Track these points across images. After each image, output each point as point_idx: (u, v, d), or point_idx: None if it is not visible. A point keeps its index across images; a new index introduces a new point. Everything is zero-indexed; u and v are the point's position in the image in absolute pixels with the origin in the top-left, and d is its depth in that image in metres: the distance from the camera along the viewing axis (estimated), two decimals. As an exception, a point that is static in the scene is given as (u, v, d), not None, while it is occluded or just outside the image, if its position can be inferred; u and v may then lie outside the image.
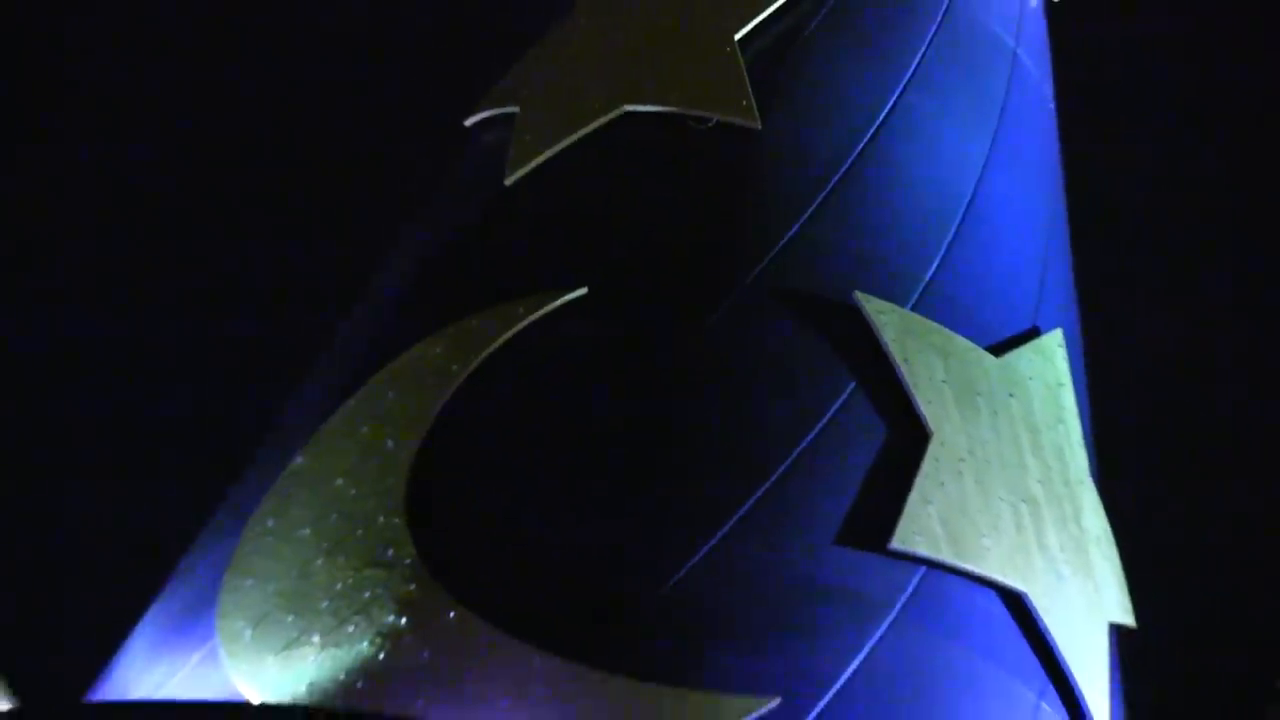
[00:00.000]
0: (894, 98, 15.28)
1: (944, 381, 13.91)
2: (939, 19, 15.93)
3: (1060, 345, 15.07)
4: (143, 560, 14.43)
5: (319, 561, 13.03)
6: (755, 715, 12.06)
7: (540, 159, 14.89)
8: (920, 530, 13.25)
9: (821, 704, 12.41)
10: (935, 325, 14.22)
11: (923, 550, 13.20)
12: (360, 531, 13.01)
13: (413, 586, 12.66)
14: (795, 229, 14.43)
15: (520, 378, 13.58)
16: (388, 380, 13.71)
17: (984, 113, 15.77)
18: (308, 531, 13.20)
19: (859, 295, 14.00)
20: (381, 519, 12.99)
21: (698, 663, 12.44)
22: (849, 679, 12.59)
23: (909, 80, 15.43)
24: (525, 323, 13.65)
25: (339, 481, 13.31)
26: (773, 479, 13.26)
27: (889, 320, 13.95)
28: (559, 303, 13.72)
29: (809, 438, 13.48)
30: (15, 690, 13.80)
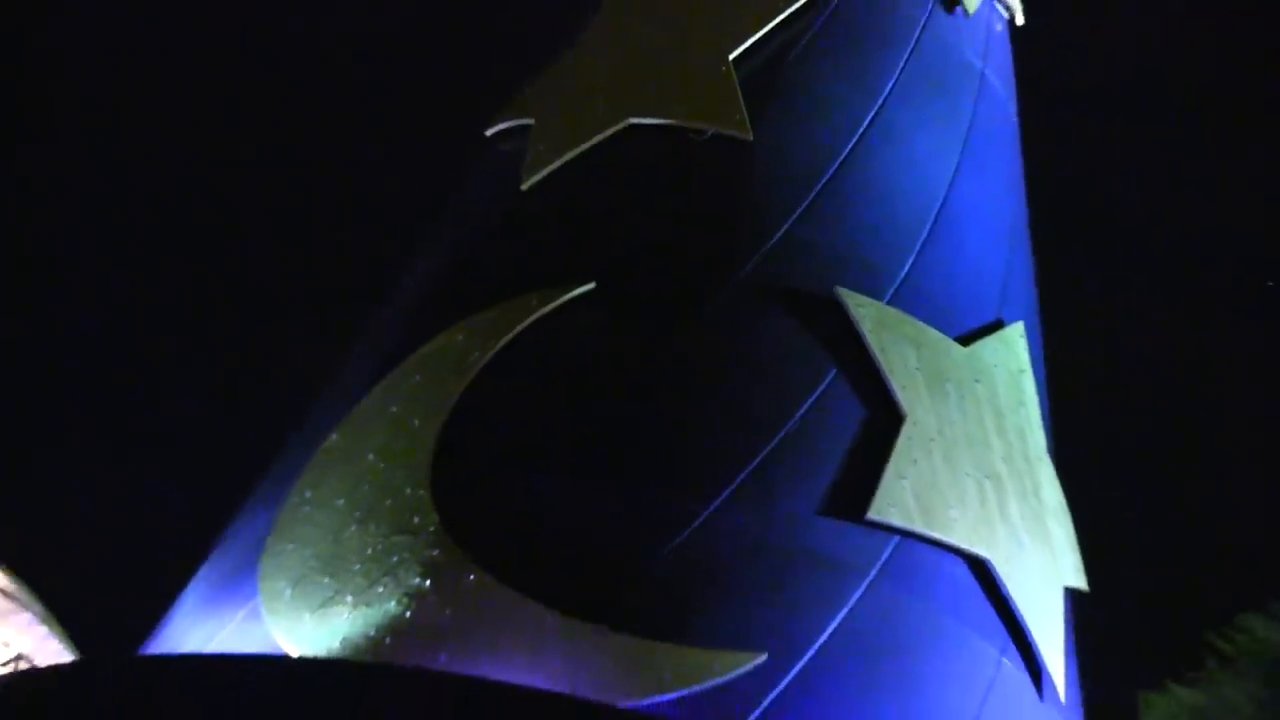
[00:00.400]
0: (873, 113, 15.31)
1: (916, 369, 13.97)
2: (913, 43, 15.96)
3: (1022, 336, 15.14)
4: (193, 525, 14.43)
5: (352, 529, 13.09)
6: (744, 669, 12.11)
7: (553, 166, 14.92)
8: (895, 503, 13.33)
9: (804, 660, 12.44)
10: (909, 318, 14.27)
11: (897, 520, 13.28)
12: (389, 502, 13.07)
13: (436, 551, 12.72)
14: (783, 230, 14.48)
15: (534, 363, 13.61)
16: (415, 365, 13.76)
17: (954, 127, 15.81)
18: (342, 502, 13.26)
19: (840, 291, 14.06)
20: (408, 490, 13.05)
21: (693, 621, 12.48)
22: (829, 637, 12.63)
23: (886, 97, 15.46)
24: (538, 314, 13.68)
25: (370, 457, 13.37)
26: (761, 456, 13.33)
27: (867, 313, 14.00)
28: (568, 297, 13.75)
29: (795, 419, 13.55)
30: (76, 644, 13.86)
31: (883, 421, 13.66)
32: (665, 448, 13.47)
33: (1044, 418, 15.07)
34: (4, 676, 13.30)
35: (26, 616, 14.07)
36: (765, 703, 12.17)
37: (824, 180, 14.81)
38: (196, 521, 14.40)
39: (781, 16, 15.46)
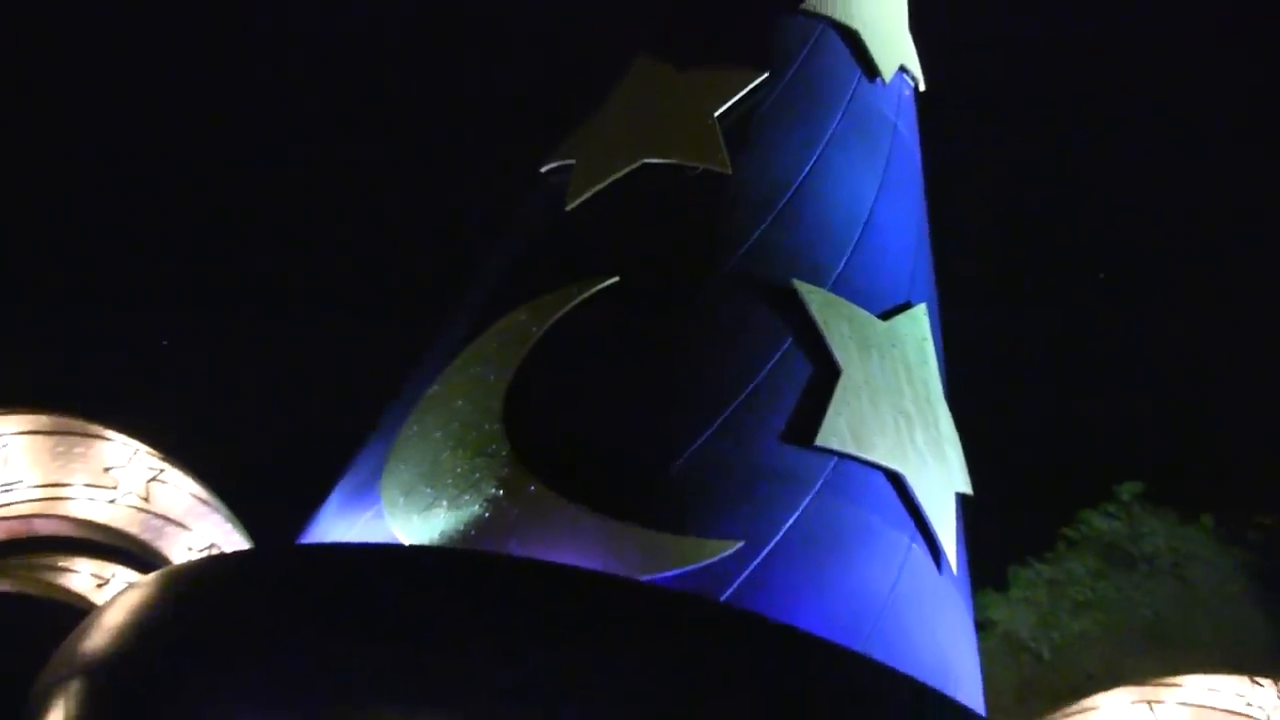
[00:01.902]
0: (817, 154, 15.29)
1: (849, 337, 13.98)
2: (846, 103, 15.88)
3: (924, 314, 15.14)
4: (336, 450, 14.44)
5: (446, 454, 13.10)
6: (725, 554, 12.20)
7: (589, 194, 14.95)
8: (834, 433, 13.31)
9: (768, 548, 12.48)
10: (844, 301, 14.29)
11: (836, 445, 13.26)
12: (472, 435, 13.08)
13: (506, 470, 12.73)
14: (754, 238, 14.50)
15: (576, 335, 13.61)
16: (490, 336, 13.80)
17: (875, 164, 15.77)
18: (439, 434, 13.29)
19: (796, 282, 14.07)
20: (486, 426, 13.06)
21: (690, 519, 12.51)
22: (786, 531, 12.69)
23: (826, 143, 15.42)
24: (578, 299, 13.73)
25: (459, 402, 13.41)
26: (739, 400, 13.35)
27: (814, 298, 14.01)
28: (599, 287, 13.80)
29: (763, 373, 13.57)
30: (252, 535, 13.91)
31: (825, 375, 13.64)
32: (671, 395, 13.47)
33: (940, 371, 15.09)
34: (202, 559, 13.34)
35: (217, 517, 14.07)
36: (740, 579, 12.25)
37: (782, 202, 14.83)
38: (340, 447, 14.40)
39: (751, 85, 15.41)
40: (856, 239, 14.93)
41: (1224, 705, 12.72)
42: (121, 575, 13.49)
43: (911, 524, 13.59)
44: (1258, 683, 12.79)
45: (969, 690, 13.38)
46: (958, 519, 14.28)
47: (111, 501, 13.72)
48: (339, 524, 13.37)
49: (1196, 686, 12.97)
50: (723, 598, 12.07)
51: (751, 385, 13.46)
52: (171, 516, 13.74)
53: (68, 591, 13.75)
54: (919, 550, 13.54)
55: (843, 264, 14.62)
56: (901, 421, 13.96)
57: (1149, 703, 12.94)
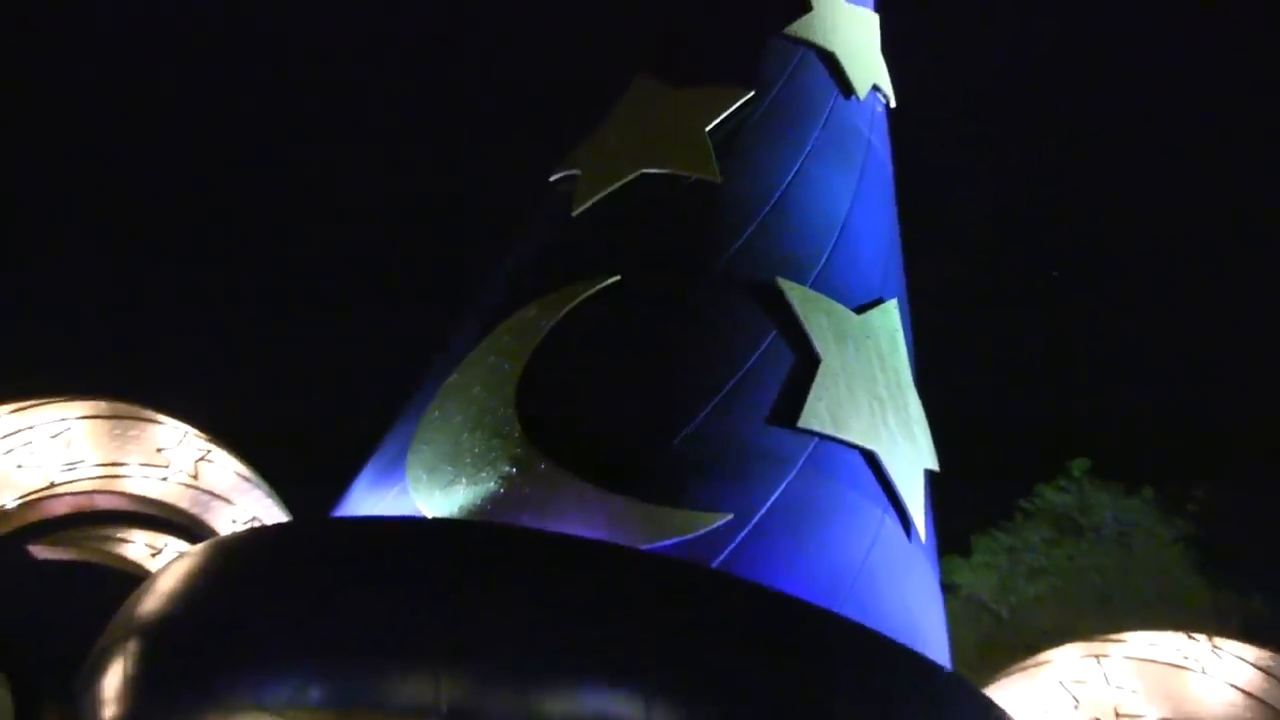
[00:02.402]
0: (798, 165, 15.21)
1: (828, 329, 13.90)
2: (824, 119, 15.82)
3: (895, 308, 15.06)
4: (369, 432, 14.40)
5: (465, 435, 13.04)
6: (716, 525, 12.15)
7: (592, 200, 14.88)
8: (815, 416, 13.24)
9: (755, 519, 12.43)
10: (823, 297, 14.20)
11: (816, 427, 13.20)
12: (489, 418, 13.01)
13: (519, 450, 12.66)
14: (742, 241, 14.42)
15: (582, 328, 13.54)
16: (505, 330, 13.72)
17: (851, 174, 15.70)
18: (459, 418, 13.23)
19: (780, 279, 13.99)
20: (501, 410, 12.99)
21: (685, 493, 12.46)
22: (772, 504, 12.62)
23: (806, 155, 15.33)
24: (584, 296, 13.66)
25: (477, 389, 13.34)
26: (729, 385, 13.27)
27: (796, 294, 13.93)
28: (603, 285, 13.72)
29: (751, 361, 13.50)
30: (289, 509, 13.90)
31: (806, 364, 13.56)
32: (666, 382, 13.43)
33: (910, 360, 15.03)
34: (245, 531, 13.32)
35: (258, 493, 14.07)
36: (729, 548, 12.20)
37: (767, 209, 14.75)
38: (368, 430, 14.36)
39: (739, 103, 15.33)
40: (834, 242, 14.85)
41: (1163, 658, 12.73)
42: (173, 545, 13.50)
43: (884, 498, 13.54)
44: (1193, 638, 12.82)
45: (936, 646, 13.36)
46: (926, 493, 14.24)
47: (164, 479, 13.75)
48: (368, 499, 13.32)
49: (1139, 642, 12.99)
50: (714, 564, 12.03)
51: (740, 373, 13.39)
52: (217, 492, 13.77)
53: (125, 560, 13.77)
54: (891, 521, 13.49)
55: (821, 264, 14.54)
56: (875, 405, 13.90)
57: (1096, 656, 12.95)
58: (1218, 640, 12.90)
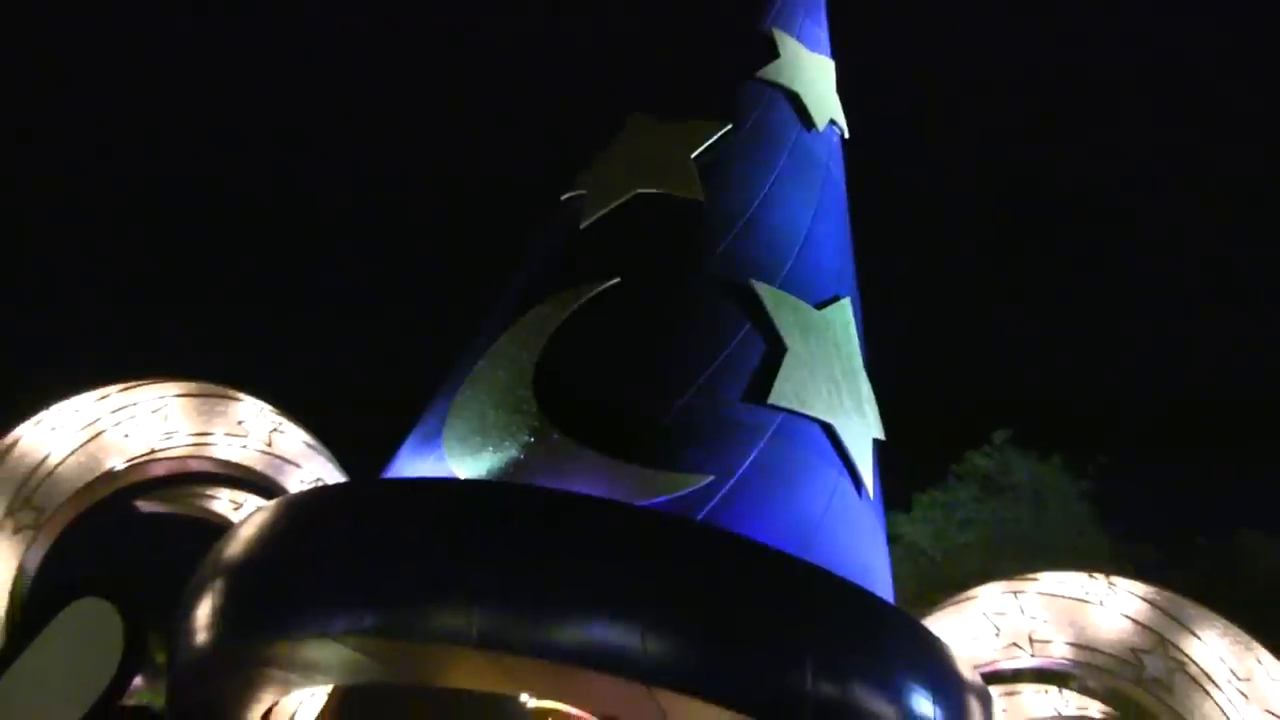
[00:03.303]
0: (767, 187, 15.13)
1: (793, 323, 13.83)
2: (789, 148, 15.76)
3: (848, 305, 14.94)
4: (412, 407, 14.35)
5: (490, 412, 12.99)
6: (699, 485, 12.14)
7: (596, 215, 14.81)
8: (783, 394, 13.19)
9: (732, 481, 12.41)
10: (789, 296, 14.11)
11: (783, 403, 13.15)
12: (510, 398, 12.95)
13: (535, 423, 12.61)
14: (721, 248, 14.37)
15: (587, 322, 13.47)
16: (523, 324, 13.64)
17: (811, 194, 15.62)
18: (485, 398, 13.16)
19: (753, 281, 13.94)
20: (520, 391, 12.92)
21: (674, 458, 12.40)
22: (745, 469, 12.60)
23: (774, 178, 15.27)
24: (588, 295, 13.57)
25: (500, 374, 13.26)
26: (711, 368, 13.24)
27: (767, 294, 13.86)
28: (605, 286, 13.64)
29: (729, 348, 13.45)
30: (347, 471, 13.86)
31: (775, 351, 13.50)
32: (659, 365, 13.36)
33: (861, 347, 14.94)
34: (311, 489, 13.31)
35: (321, 459, 14.05)
36: (711, 504, 12.20)
37: (741, 223, 14.67)
38: (410, 408, 14.31)
39: (718, 134, 15.27)
40: (797, 250, 14.76)
41: (1069, 594, 12.75)
42: (251, 501, 13.50)
43: (839, 463, 13.48)
44: (1094, 577, 12.81)
45: (882, 586, 13.37)
46: (874, 459, 14.17)
47: (243, 446, 13.73)
48: (411, 464, 13.29)
49: (1049, 580, 12.99)
50: (698, 518, 12.01)
51: (719, 359, 13.33)
52: (287, 458, 13.73)
53: (211, 513, 13.79)
54: (845, 482, 13.45)
55: (787, 268, 14.46)
56: (832, 386, 13.82)
57: (1014, 593, 12.95)
58: (1113, 578, 12.91)
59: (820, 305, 14.42)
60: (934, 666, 11.40)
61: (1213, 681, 12.06)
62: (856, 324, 15.08)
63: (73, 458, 13.19)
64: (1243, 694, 11.96)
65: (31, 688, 11.05)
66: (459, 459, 12.74)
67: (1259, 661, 12.08)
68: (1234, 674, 12.05)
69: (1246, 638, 12.27)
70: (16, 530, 12.75)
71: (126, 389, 13.60)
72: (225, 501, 13.73)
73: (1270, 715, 11.86)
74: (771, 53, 16.45)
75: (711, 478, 12.24)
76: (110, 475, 13.27)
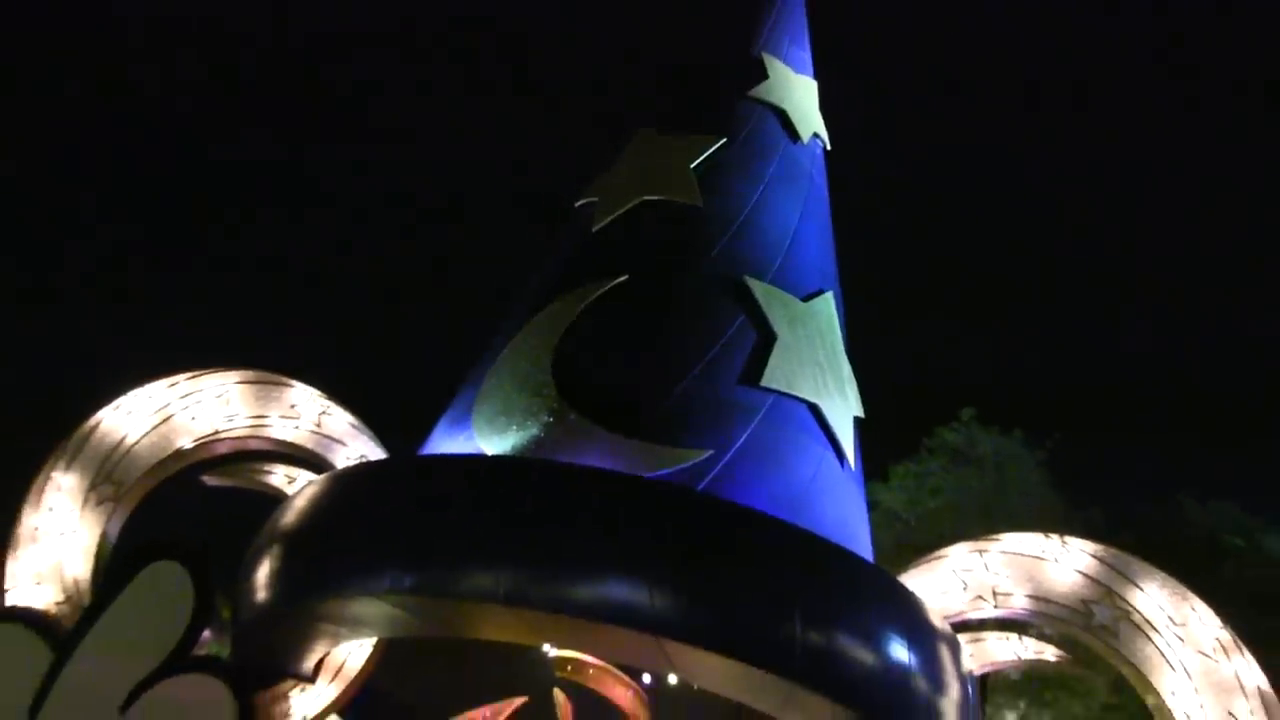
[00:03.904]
0: (758, 193, 15.01)
1: (782, 314, 13.74)
2: (777, 158, 15.65)
3: (831, 299, 14.83)
4: (439, 392, 14.29)
5: (514, 395, 12.93)
6: (700, 459, 12.12)
7: (607, 220, 14.74)
8: (773, 378, 13.14)
9: (729, 455, 12.38)
10: (778, 290, 14.02)
11: (774, 386, 13.09)
12: (532, 382, 12.88)
13: (554, 405, 12.56)
14: (718, 248, 14.28)
15: (599, 314, 13.41)
16: (542, 317, 13.59)
17: (797, 200, 15.49)
18: (510, 383, 13.11)
19: (746, 277, 13.88)
20: (541, 377, 12.87)
21: (678, 435, 12.36)
22: (742, 444, 12.56)
23: (765, 185, 15.17)
24: (601, 290, 13.51)
25: (522, 361, 13.20)
26: (710, 355, 13.17)
27: (758, 288, 13.79)
28: (615, 282, 13.57)
29: (726, 337, 13.38)
30: (387, 449, 13.80)
31: (767, 339, 13.43)
32: (663, 353, 13.26)
33: (843, 333, 14.84)
34: (356, 465, 13.27)
35: (365, 438, 14.01)
36: (710, 475, 12.16)
37: (736, 225, 14.57)
38: (441, 393, 14.26)
39: (715, 147, 15.19)
40: (785, 249, 14.66)
41: (1027, 552, 12.68)
42: (303, 476, 13.46)
43: (824, 438, 13.41)
44: (1049, 537, 12.75)
45: (863, 547, 13.33)
46: (855, 435, 14.10)
47: (296, 427, 13.70)
48: (444, 442, 13.28)
49: (1010, 540, 12.92)
50: (699, 488, 11.97)
51: (717, 347, 13.26)
52: (335, 437, 13.70)
53: (268, 486, 13.77)
54: (830, 455, 13.39)
55: (776, 266, 14.36)
56: (818, 370, 13.73)
57: (979, 552, 12.90)
58: (1066, 538, 12.87)
59: (806, 298, 14.32)
60: (909, 617, 11.37)
61: (1153, 627, 12.04)
62: (839, 315, 14.98)
63: (146, 438, 13.23)
64: (1179, 638, 11.95)
65: (114, 640, 11.08)
66: (486, 437, 12.70)
67: (1193, 609, 12.04)
68: (1171, 620, 12.03)
69: (1183, 588, 12.22)
70: (99, 502, 12.82)
71: (193, 377, 13.59)
72: (280, 476, 13.69)
73: (1203, 655, 11.84)
74: (761, 74, 16.35)
75: (711, 452, 12.18)
76: (179, 453, 13.29)
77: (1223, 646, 11.82)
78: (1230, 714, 11.48)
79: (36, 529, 12.50)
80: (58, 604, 12.08)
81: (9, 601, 12.02)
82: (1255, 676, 11.65)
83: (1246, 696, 11.52)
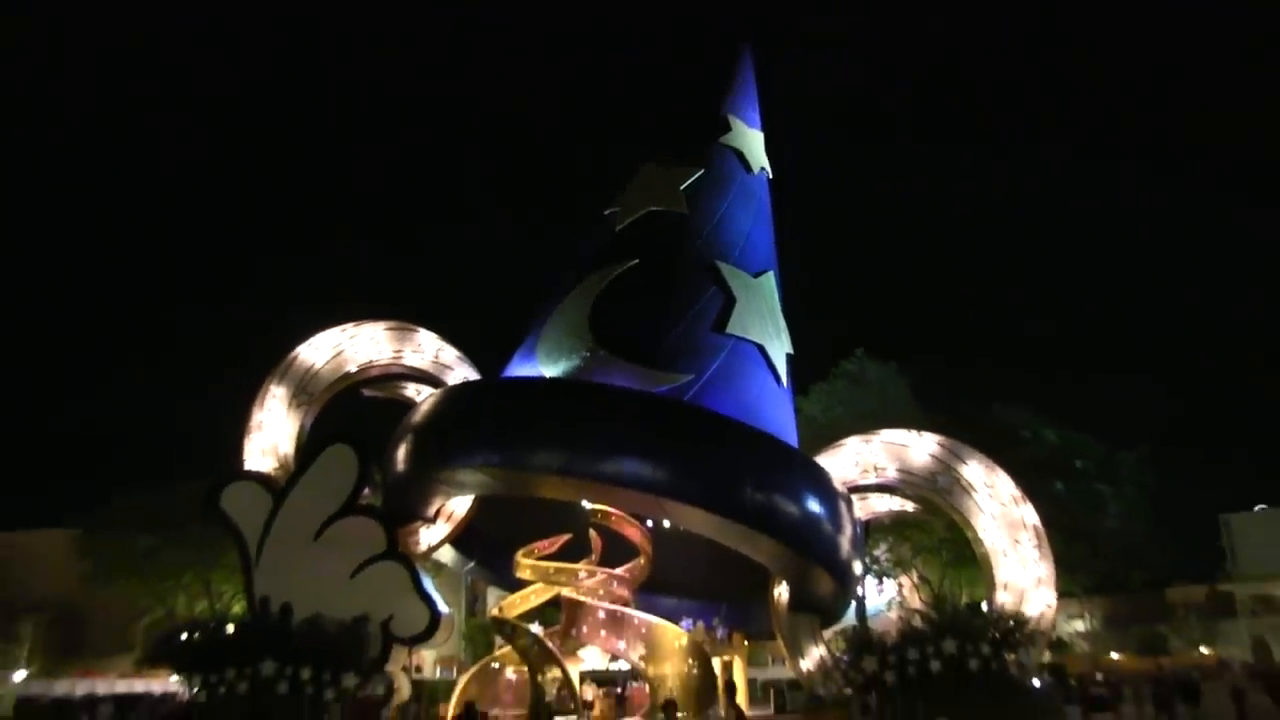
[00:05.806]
0: (724, 206, 14.70)
1: (741, 285, 13.58)
2: (736, 184, 15.25)
3: (772, 276, 14.56)
4: (514, 335, 14.05)
5: (564, 338, 12.83)
6: (686, 380, 12.13)
7: (626, 222, 14.43)
8: (734, 326, 13.05)
9: (705, 376, 12.36)
10: (737, 269, 13.81)
11: (735, 333, 13.00)
12: (576, 328, 12.82)
13: (591, 344, 12.50)
14: (699, 241, 14.04)
15: (620, 285, 13.21)
16: (582, 287, 13.36)
17: (750, 211, 15.13)
18: (561, 329, 12.99)
19: (717, 261, 13.69)
20: (582, 325, 12.79)
21: (670, 365, 12.30)
22: (713, 370, 12.51)
23: (728, 201, 14.84)
24: (620, 269, 13.30)
25: (570, 314, 13.05)
26: (692, 312, 13.06)
27: (724, 268, 13.63)
28: (629, 264, 13.37)
29: (702, 300, 13.27)
30: (482, 373, 13.71)
31: (729, 302, 13.27)
32: (664, 309, 13.03)
33: (780, 300, 14.57)
34: (461, 383, 13.26)
35: (466, 367, 13.94)
36: (692, 391, 12.20)
37: (709, 227, 14.31)
38: (516, 335, 14.10)
39: (696, 175, 14.86)
40: (742, 243, 14.42)
41: (897, 441, 12.88)
42: (426, 390, 13.57)
43: (767, 367, 13.34)
44: (911, 431, 12.96)
45: (792, 438, 13.38)
46: (788, 365, 14.00)
47: (421, 359, 13.78)
48: (518, 368, 13.24)
49: (886, 434, 13.08)
50: (685, 399, 12.00)
51: (698, 306, 13.15)
52: (447, 365, 13.72)
53: (405, 396, 13.89)
54: (771, 379, 13.33)
55: (736, 254, 14.13)
56: (763, 322, 13.61)
57: (866, 441, 13.07)
58: (922, 433, 13.04)
59: (756, 275, 14.15)
60: (821, 484, 11.62)
61: (974, 488, 12.38)
62: (777, 286, 14.78)
63: (327, 365, 13.41)
64: (990, 496, 12.31)
65: (309, 494, 11.33)
66: (546, 366, 12.71)
67: (998, 476, 12.45)
68: (985, 484, 12.35)
69: (992, 463, 12.48)
70: (299, 406, 13.13)
71: (357, 325, 13.73)
72: (412, 390, 13.84)
73: (1002, 505, 12.18)
74: (726, 128, 16.02)
75: (692, 376, 12.24)
76: (348, 375, 13.47)
77: (1014, 499, 12.25)
78: (1016, 541, 12.03)
79: (261, 422, 12.83)
80: (275, 469, 12.41)
81: (247, 466, 12.38)
82: (1032, 518, 12.15)
83: (1028, 530, 12.08)
